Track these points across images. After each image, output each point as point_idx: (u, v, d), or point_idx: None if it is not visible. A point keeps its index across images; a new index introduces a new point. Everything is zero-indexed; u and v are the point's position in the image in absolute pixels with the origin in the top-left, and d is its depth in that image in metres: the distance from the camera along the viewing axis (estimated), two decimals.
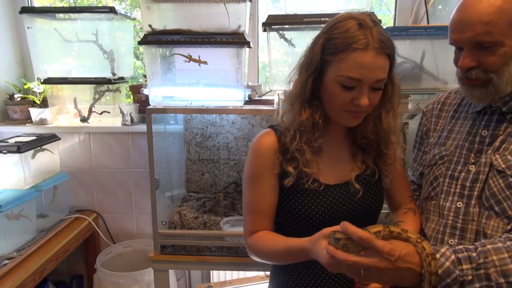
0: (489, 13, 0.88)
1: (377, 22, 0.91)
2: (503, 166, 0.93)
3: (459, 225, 0.97)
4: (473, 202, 0.96)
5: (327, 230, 0.83)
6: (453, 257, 0.80)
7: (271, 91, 1.89)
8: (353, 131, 1.04)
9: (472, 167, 0.98)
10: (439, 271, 0.79)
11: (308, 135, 0.98)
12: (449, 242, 0.97)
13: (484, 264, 0.79)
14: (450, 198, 1.00)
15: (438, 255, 0.81)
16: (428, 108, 1.19)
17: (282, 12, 1.75)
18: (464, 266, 0.80)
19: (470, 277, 0.79)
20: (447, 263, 0.80)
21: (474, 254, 0.81)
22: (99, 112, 2.12)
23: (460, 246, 0.84)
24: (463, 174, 0.99)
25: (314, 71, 0.94)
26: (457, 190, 0.99)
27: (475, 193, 0.96)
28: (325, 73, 0.92)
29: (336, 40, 0.89)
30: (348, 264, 0.77)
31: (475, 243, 0.85)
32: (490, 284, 0.79)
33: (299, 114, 0.97)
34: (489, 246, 0.81)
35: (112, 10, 1.88)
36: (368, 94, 0.90)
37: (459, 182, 0.99)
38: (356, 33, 0.87)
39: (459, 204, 0.98)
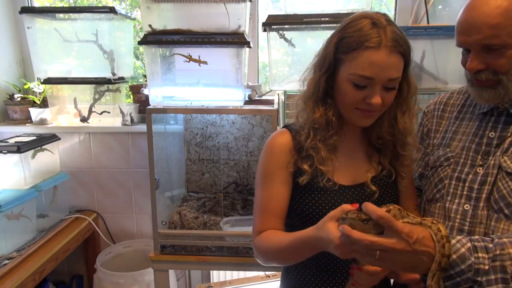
0: (495, 15, 0.86)
1: (391, 22, 0.90)
2: None
3: (466, 227, 0.95)
4: (481, 204, 0.94)
5: (334, 213, 0.80)
6: (469, 244, 0.79)
7: (271, 91, 1.89)
8: (368, 131, 1.02)
9: (480, 169, 0.97)
10: (454, 256, 0.78)
11: (323, 132, 0.97)
12: (454, 235, 0.97)
13: (500, 256, 0.78)
14: (456, 201, 0.99)
15: (453, 241, 0.79)
16: (429, 109, 1.17)
17: (282, 12, 1.75)
18: (480, 254, 0.78)
19: (486, 267, 0.78)
20: (463, 249, 0.78)
21: (491, 245, 0.80)
22: (99, 112, 2.12)
23: (476, 236, 0.83)
24: (470, 176, 0.98)
25: (327, 69, 0.94)
26: (464, 192, 0.98)
27: (484, 195, 0.94)
28: (338, 72, 0.93)
29: (349, 38, 0.89)
30: (365, 244, 0.74)
31: (491, 235, 0.84)
32: (505, 277, 0.78)
33: (313, 112, 0.97)
34: (505, 239, 0.81)
35: (112, 10, 1.88)
36: (381, 94, 0.89)
37: (466, 184, 0.98)
38: (369, 32, 0.87)
39: (467, 207, 0.96)
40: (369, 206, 0.77)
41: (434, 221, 0.80)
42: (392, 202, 1.02)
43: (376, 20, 0.89)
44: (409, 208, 1.09)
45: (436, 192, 1.05)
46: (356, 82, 0.89)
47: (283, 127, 1.07)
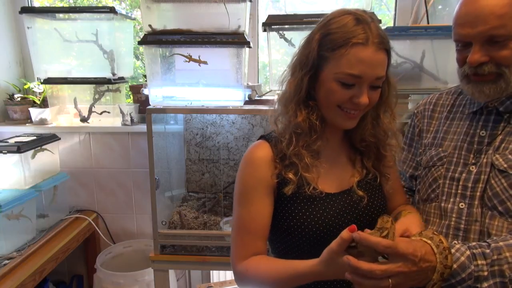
0: (502, 5, 0.85)
1: (374, 18, 0.88)
2: (505, 165, 0.92)
3: (462, 226, 0.96)
4: (475, 202, 0.95)
5: (337, 247, 0.76)
6: (468, 252, 0.80)
7: (271, 91, 1.89)
8: (351, 134, 0.99)
9: (473, 168, 0.97)
10: (455, 266, 0.79)
11: (306, 138, 0.91)
12: (453, 243, 0.97)
13: (498, 260, 0.79)
14: (451, 200, 0.99)
15: (453, 250, 0.80)
16: (419, 109, 1.17)
17: (282, 12, 1.75)
18: (479, 262, 0.79)
19: (485, 273, 0.79)
20: (462, 258, 0.79)
21: (488, 251, 0.81)
22: (99, 112, 2.12)
23: (474, 243, 0.84)
24: (464, 175, 0.98)
25: (310, 68, 0.88)
26: (459, 191, 0.98)
27: (478, 193, 0.95)
28: (322, 71, 0.87)
29: (334, 35, 0.84)
30: (377, 274, 0.73)
31: (487, 240, 0.85)
32: (503, 280, 0.79)
33: (295, 115, 0.91)
34: (501, 243, 0.81)
35: (112, 10, 1.88)
36: (368, 93, 0.86)
37: (460, 183, 0.98)
38: (354, 28, 0.83)
39: (462, 205, 0.97)
40: (369, 239, 0.74)
41: (435, 232, 0.81)
42: (380, 205, 0.99)
43: (360, 16, 0.85)
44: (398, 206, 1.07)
45: (431, 192, 1.05)
46: (343, 81, 0.85)
47: (259, 138, 1.00)
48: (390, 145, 0.99)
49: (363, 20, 0.85)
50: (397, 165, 1.26)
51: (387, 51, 0.87)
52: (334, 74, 0.85)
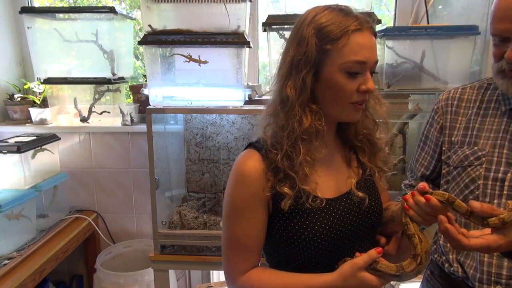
0: None
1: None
2: None
3: None
4: None
5: (362, 263, 0.82)
6: None
7: (271, 91, 1.89)
8: (345, 130, 0.96)
9: None
10: None
11: (309, 144, 0.87)
12: None
13: None
14: (496, 201, 0.94)
15: None
16: (440, 104, 1.11)
17: (282, 12, 1.75)
18: None
19: None
20: None
21: None
22: (99, 112, 2.12)
23: None
24: (509, 175, 0.94)
25: (311, 66, 0.84)
26: (505, 192, 0.93)
27: None
28: (324, 67, 0.84)
29: (329, 27, 0.82)
30: None
31: None
32: None
33: (300, 120, 0.85)
34: None
35: (112, 10, 1.88)
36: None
37: (506, 183, 0.94)
38: (345, 18, 0.83)
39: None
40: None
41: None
42: (378, 204, 0.96)
43: (342, 7, 0.85)
44: (385, 200, 1.04)
45: (469, 193, 0.99)
46: (349, 70, 0.83)
47: (247, 147, 0.94)
48: (379, 139, 0.97)
49: (347, 10, 0.85)
50: (409, 164, 1.23)
51: (376, 35, 0.88)
52: (339, 65, 0.83)
